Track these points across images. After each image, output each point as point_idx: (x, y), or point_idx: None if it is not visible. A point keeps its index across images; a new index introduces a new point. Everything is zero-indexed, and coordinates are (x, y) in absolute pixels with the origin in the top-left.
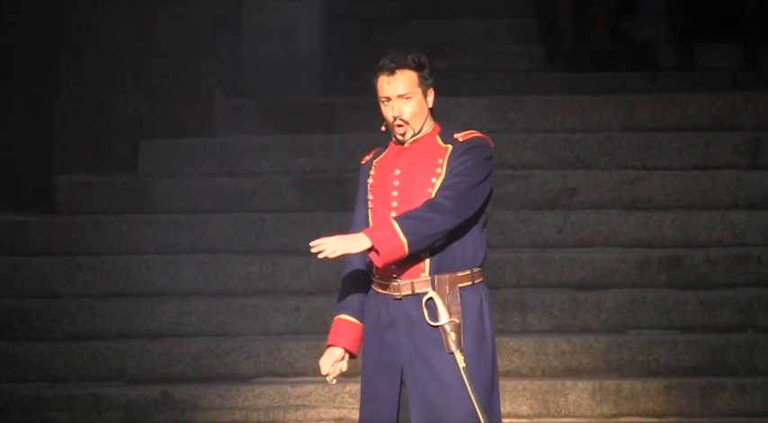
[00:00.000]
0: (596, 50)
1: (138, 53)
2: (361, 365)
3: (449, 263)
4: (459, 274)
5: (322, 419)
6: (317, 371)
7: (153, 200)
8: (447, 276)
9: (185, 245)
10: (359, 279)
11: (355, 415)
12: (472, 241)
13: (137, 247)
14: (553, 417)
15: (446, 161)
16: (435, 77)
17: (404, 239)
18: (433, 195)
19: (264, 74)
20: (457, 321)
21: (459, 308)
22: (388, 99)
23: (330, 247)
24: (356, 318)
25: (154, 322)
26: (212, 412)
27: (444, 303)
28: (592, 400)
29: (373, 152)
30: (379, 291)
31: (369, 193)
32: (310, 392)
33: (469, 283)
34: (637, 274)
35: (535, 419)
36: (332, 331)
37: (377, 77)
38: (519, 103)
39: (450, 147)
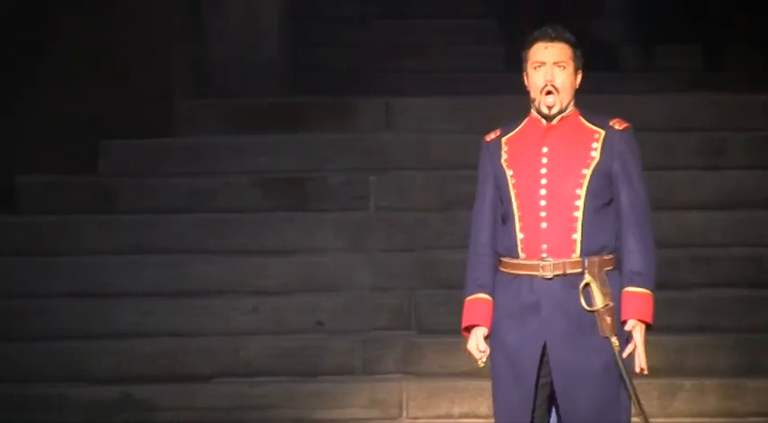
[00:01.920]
0: None
1: (98, 53)
2: (493, 347)
3: (597, 246)
4: (606, 257)
5: (281, 419)
6: (276, 371)
7: (114, 200)
8: (597, 259)
9: (146, 245)
10: (489, 257)
11: (314, 415)
12: (613, 227)
13: (98, 247)
14: None
15: (601, 146)
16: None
17: (650, 293)
18: (587, 178)
19: (226, 74)
20: (611, 304)
21: (610, 291)
22: (542, 64)
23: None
24: (491, 296)
25: (115, 322)
26: (172, 412)
27: (598, 287)
28: None
29: (499, 130)
30: (520, 272)
31: (507, 167)
32: (269, 392)
33: (612, 267)
34: None
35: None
36: (471, 311)
37: (532, 45)
38: (480, 104)
39: (603, 132)
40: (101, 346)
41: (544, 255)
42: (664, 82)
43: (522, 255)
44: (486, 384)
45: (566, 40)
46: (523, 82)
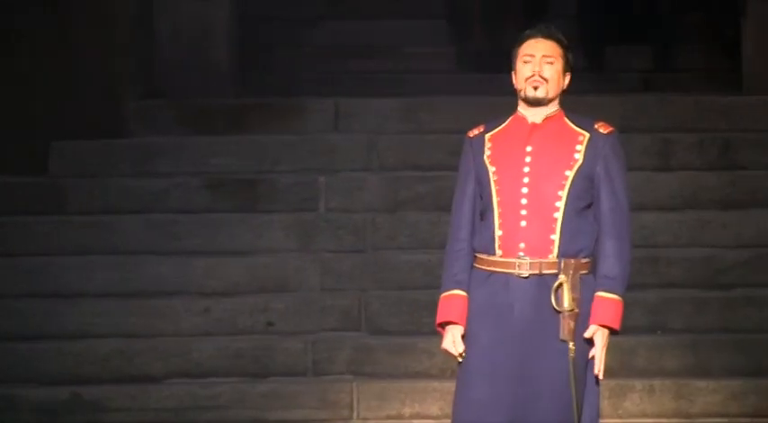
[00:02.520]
0: (507, 52)
1: (50, 53)
2: (468, 344)
3: (574, 248)
4: (582, 260)
5: (233, 420)
6: (228, 372)
7: (66, 201)
8: (573, 261)
9: (99, 246)
10: (466, 253)
11: (266, 415)
12: (592, 231)
13: (50, 247)
14: None
15: (585, 149)
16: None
17: (621, 299)
18: (569, 180)
19: (178, 75)
20: (576, 310)
21: (579, 296)
22: (532, 56)
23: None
24: (467, 293)
25: (67, 323)
26: (123, 413)
27: (569, 290)
28: None
29: (482, 126)
30: (497, 269)
31: (489, 164)
32: (221, 393)
33: (588, 271)
34: None
35: (444, 420)
36: (447, 307)
37: (523, 42)
38: (429, 105)
39: (587, 134)
40: (52, 347)
41: (521, 253)
42: (614, 83)
43: (498, 252)
44: (437, 385)
45: (557, 39)
46: (511, 81)
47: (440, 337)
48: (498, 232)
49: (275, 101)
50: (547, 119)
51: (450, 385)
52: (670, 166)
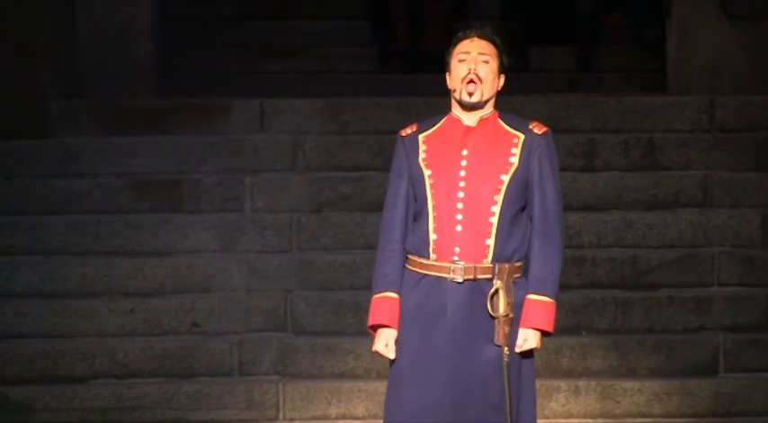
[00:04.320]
0: (430, 52)
1: None
2: (399, 347)
3: (508, 252)
4: (516, 263)
5: (158, 421)
6: (153, 372)
7: None
8: (507, 266)
9: (21, 246)
10: (398, 254)
11: (191, 416)
12: (524, 233)
13: None
14: None
15: (519, 151)
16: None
17: (553, 300)
18: (505, 184)
19: (99, 75)
20: (510, 315)
21: (513, 300)
22: (467, 54)
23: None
24: (398, 295)
25: None
26: (48, 413)
27: (504, 295)
28: None
29: (415, 125)
30: (430, 272)
31: (425, 166)
32: (146, 393)
33: (520, 275)
34: None
35: (370, 420)
36: (380, 309)
37: (459, 41)
38: (353, 105)
39: (522, 136)
40: None
41: (456, 258)
42: (538, 83)
43: (433, 255)
44: (362, 385)
45: (491, 40)
46: (445, 81)
47: (367, 336)
48: (433, 236)
49: (199, 101)
50: (481, 121)
51: (376, 385)
52: (595, 167)
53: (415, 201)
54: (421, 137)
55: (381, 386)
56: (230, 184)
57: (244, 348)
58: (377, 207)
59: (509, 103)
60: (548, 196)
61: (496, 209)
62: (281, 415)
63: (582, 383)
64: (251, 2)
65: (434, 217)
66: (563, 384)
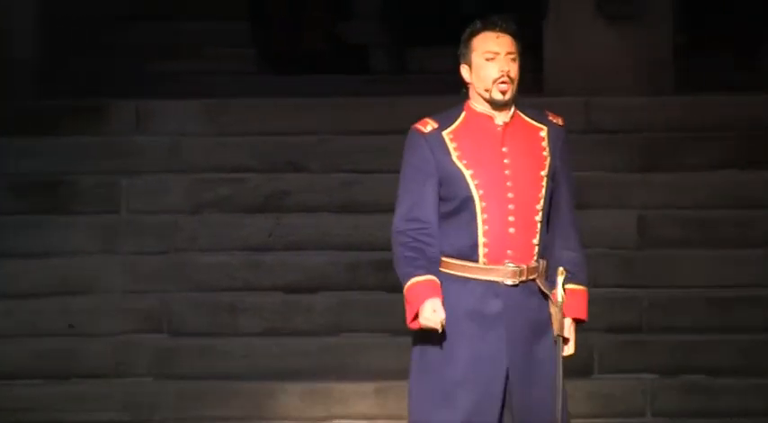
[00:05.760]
0: (310, 53)
1: None
2: (446, 354)
3: (546, 249)
4: (549, 261)
5: (36, 422)
6: (30, 373)
7: None
8: (544, 262)
9: None
10: (434, 255)
11: (68, 417)
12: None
13: None
14: (265, 419)
15: (548, 144)
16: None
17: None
18: (545, 180)
19: None
20: (561, 302)
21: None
22: (496, 54)
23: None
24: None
25: None
26: None
27: (547, 288)
28: (303, 402)
29: (431, 121)
30: (479, 276)
31: (462, 166)
32: (23, 395)
33: (548, 269)
34: (348, 277)
35: (247, 422)
36: (418, 292)
37: (479, 33)
38: (231, 106)
39: (545, 128)
40: None
41: (507, 261)
42: (418, 84)
43: (483, 259)
44: (238, 386)
45: (514, 33)
46: (459, 74)
47: (243, 337)
48: (483, 239)
49: (78, 102)
50: (511, 116)
51: (254, 386)
52: None
53: (447, 201)
54: (445, 133)
55: (258, 387)
56: (108, 186)
57: (120, 350)
58: (255, 208)
59: (389, 105)
60: (573, 190)
61: (540, 207)
62: (156, 416)
63: None
64: (132, 2)
65: (485, 219)
66: None
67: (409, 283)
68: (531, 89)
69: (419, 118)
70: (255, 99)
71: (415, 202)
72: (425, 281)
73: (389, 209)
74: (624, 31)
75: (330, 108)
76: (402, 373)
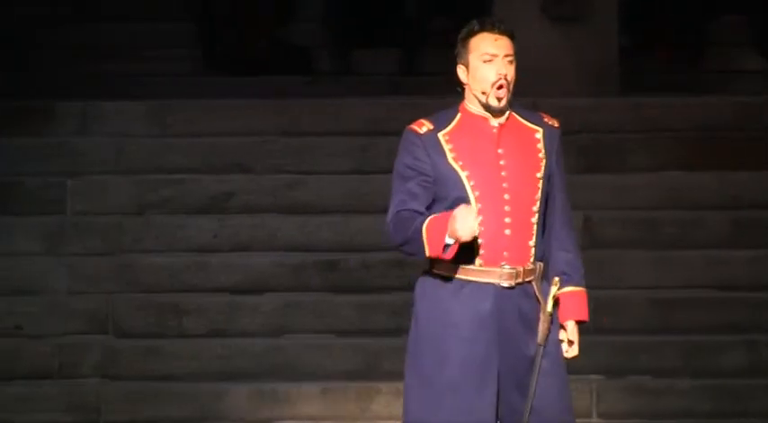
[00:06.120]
0: (253, 55)
1: None
2: (440, 357)
3: (542, 251)
4: (542, 262)
5: None
6: None
7: None
8: (540, 264)
9: None
10: None
11: (13, 418)
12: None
13: None
14: (211, 420)
15: (543, 146)
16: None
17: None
18: (541, 182)
19: None
20: (550, 312)
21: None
22: (494, 56)
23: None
24: None
25: None
26: None
27: (541, 294)
28: (248, 403)
29: (426, 122)
30: (475, 278)
31: (458, 168)
32: None
33: (544, 271)
34: (293, 278)
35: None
36: (441, 215)
37: (477, 34)
38: (175, 108)
39: (541, 129)
40: None
41: (503, 262)
42: (360, 86)
43: (479, 261)
44: (184, 387)
45: (511, 35)
46: (456, 74)
47: (188, 339)
48: (479, 241)
49: (22, 103)
50: (507, 118)
51: (199, 387)
52: None
53: (440, 202)
54: (441, 135)
55: (203, 388)
56: (53, 187)
57: (65, 351)
58: (199, 210)
59: (331, 106)
60: (566, 191)
61: (536, 208)
62: (102, 418)
63: (402, 386)
64: (77, 2)
65: (481, 221)
66: (384, 386)
67: (425, 223)
68: None
69: (357, 118)
70: (200, 100)
71: (407, 199)
72: (437, 215)
73: (335, 210)
74: (569, 32)
75: (274, 109)
76: (348, 375)
